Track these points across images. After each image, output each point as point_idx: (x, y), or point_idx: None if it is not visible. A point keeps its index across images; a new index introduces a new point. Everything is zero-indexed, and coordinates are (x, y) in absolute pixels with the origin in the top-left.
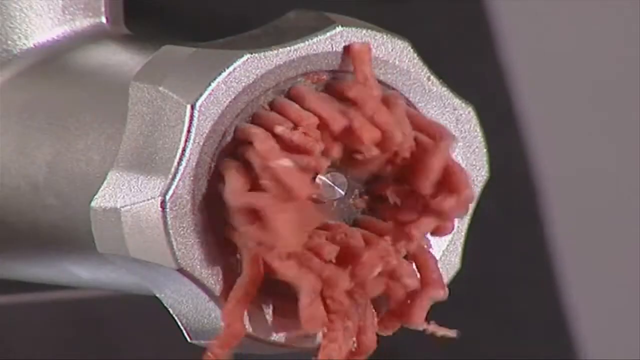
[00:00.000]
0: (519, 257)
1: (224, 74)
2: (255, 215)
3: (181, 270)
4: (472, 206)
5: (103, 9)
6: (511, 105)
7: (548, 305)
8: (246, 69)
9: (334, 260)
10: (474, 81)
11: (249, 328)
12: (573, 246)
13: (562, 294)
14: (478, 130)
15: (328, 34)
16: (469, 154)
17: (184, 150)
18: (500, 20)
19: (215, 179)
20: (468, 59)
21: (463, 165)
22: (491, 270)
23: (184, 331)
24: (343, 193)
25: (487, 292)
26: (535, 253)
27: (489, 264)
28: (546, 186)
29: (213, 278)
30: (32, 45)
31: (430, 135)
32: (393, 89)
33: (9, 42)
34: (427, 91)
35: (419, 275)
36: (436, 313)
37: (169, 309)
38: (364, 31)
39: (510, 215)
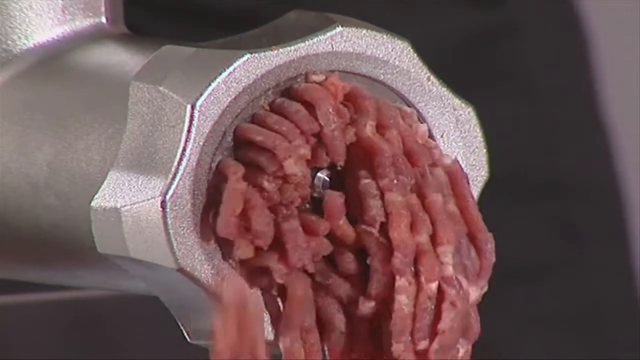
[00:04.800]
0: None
1: (224, 74)
2: None
3: (181, 270)
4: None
5: (103, 9)
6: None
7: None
8: (246, 69)
9: None
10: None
11: None
12: None
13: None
14: (478, 130)
15: (328, 34)
16: (469, 154)
17: (184, 150)
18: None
19: (216, 178)
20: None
21: (463, 166)
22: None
23: (184, 331)
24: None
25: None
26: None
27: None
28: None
29: (213, 278)
30: (32, 45)
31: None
32: (393, 89)
33: (9, 42)
34: (427, 91)
35: None
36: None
37: (169, 309)
38: (364, 31)
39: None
